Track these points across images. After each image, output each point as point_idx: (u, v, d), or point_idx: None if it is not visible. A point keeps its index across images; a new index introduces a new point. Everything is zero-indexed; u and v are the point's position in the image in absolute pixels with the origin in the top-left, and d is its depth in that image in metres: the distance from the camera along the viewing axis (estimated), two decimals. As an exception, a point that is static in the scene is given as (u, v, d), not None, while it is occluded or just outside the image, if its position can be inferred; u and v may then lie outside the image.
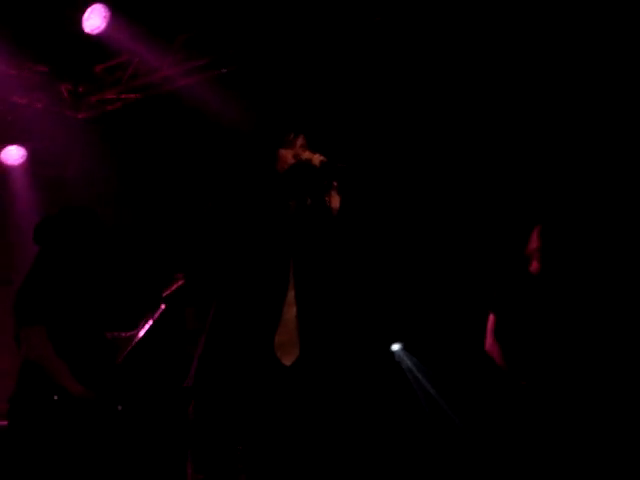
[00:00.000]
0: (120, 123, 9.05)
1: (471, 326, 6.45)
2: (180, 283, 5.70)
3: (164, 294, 5.71)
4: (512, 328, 5.86)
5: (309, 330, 4.27)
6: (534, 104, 7.23)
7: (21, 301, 4.76)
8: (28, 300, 4.72)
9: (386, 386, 8.28)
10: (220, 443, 4.10)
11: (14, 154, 8.99)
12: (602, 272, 6.41)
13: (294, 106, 7.34)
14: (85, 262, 5.01)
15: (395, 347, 8.69)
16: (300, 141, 4.50)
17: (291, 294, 4.31)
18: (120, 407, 5.18)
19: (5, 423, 4.92)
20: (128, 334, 5.37)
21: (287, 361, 4.17)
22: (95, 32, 7.78)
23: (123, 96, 8.90)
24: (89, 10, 7.75)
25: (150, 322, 5.59)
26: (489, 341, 5.98)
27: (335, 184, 4.42)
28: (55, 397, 4.63)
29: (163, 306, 5.69)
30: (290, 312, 4.27)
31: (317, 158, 4.41)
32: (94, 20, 7.75)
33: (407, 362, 8.64)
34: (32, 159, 9.08)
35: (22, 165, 9.06)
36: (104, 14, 7.72)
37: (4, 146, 8.98)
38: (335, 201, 4.45)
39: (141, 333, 5.47)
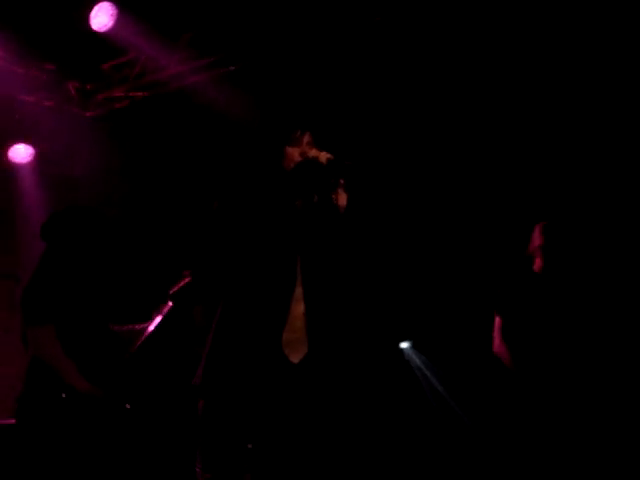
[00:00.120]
0: (128, 121, 9.05)
1: (479, 324, 6.43)
2: (187, 280, 5.69)
3: (171, 291, 5.70)
4: (518, 328, 5.84)
5: (317, 327, 4.25)
6: (538, 103, 7.23)
7: (29, 299, 4.77)
8: (36, 298, 4.73)
9: (395, 384, 8.28)
10: (228, 441, 4.08)
11: (22, 152, 9.00)
12: (605, 268, 6.40)
13: (300, 103, 7.33)
14: (92, 259, 5.02)
15: (404, 345, 8.69)
16: (307, 138, 4.47)
17: (298, 291, 4.29)
18: (128, 405, 5.20)
19: (13, 422, 4.94)
20: (140, 326, 5.37)
21: (295, 358, 4.15)
22: (102, 30, 7.78)
23: (131, 94, 8.90)
24: (96, 8, 7.75)
25: (158, 319, 5.57)
26: (497, 342, 5.96)
27: (342, 182, 4.40)
28: (63, 395, 4.63)
29: (170, 304, 5.67)
30: (298, 309, 4.25)
31: (324, 156, 4.38)
32: (101, 18, 7.75)
33: (416, 360, 8.64)
34: (39, 157, 9.09)
35: (29, 163, 9.06)
36: (111, 12, 7.71)
37: (12, 144, 8.99)
38: (342, 199, 4.42)
39: (150, 328, 5.46)
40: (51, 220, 5.09)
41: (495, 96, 7.33)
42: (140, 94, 8.85)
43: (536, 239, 5.89)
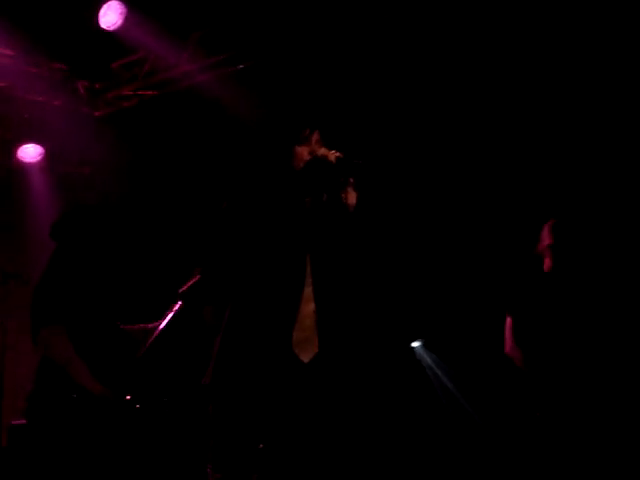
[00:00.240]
0: (137, 120, 9.04)
1: (490, 323, 6.42)
2: (196, 279, 5.68)
3: (180, 290, 5.69)
4: (529, 328, 5.83)
5: (327, 327, 4.23)
6: (549, 103, 7.20)
7: (40, 300, 4.76)
8: (47, 299, 4.72)
9: (406, 383, 8.26)
10: (239, 442, 4.07)
11: (31, 152, 9.01)
12: (615, 267, 6.37)
13: (309, 102, 7.31)
14: (102, 259, 5.00)
15: (415, 344, 8.67)
16: (316, 137, 4.46)
17: (308, 290, 4.27)
18: (138, 405, 5.19)
19: (24, 422, 4.93)
20: (152, 326, 5.37)
21: (305, 358, 4.14)
22: (111, 28, 7.77)
23: (140, 92, 8.89)
24: (105, 6, 7.75)
25: (168, 318, 5.57)
26: (509, 344, 5.94)
27: (351, 180, 4.38)
28: (74, 395, 4.62)
29: (180, 302, 5.67)
30: (308, 308, 4.24)
31: (333, 154, 4.37)
32: (110, 16, 7.75)
33: (427, 359, 8.62)
34: (49, 156, 9.10)
35: (39, 162, 9.07)
36: (120, 10, 7.70)
37: (21, 144, 9.00)
38: (352, 197, 4.41)
39: (160, 327, 5.45)
40: (62, 220, 5.07)
41: (506, 94, 7.31)
42: (149, 93, 8.84)
43: (545, 238, 5.88)
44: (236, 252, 4.39)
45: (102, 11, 7.75)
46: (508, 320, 5.99)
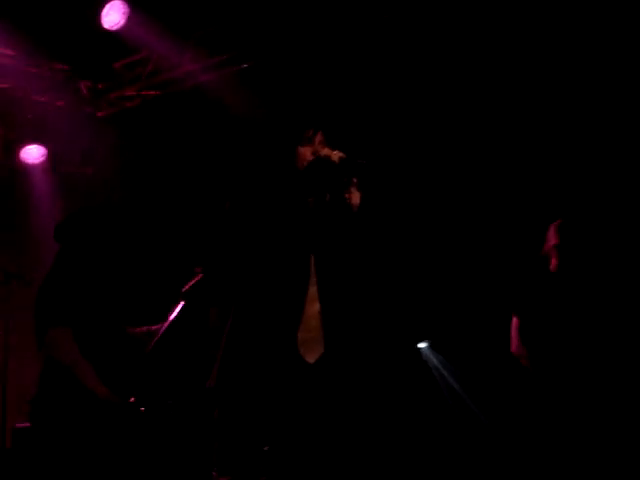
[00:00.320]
0: (139, 120, 9.03)
1: (497, 324, 6.41)
2: (199, 278, 5.67)
3: (183, 290, 5.68)
4: (535, 328, 5.83)
5: (333, 328, 4.21)
6: (554, 102, 7.19)
7: (44, 301, 4.74)
8: (52, 300, 4.71)
9: (412, 384, 8.24)
10: (245, 444, 4.06)
11: (34, 153, 9.00)
12: (621, 267, 6.35)
13: (312, 103, 7.30)
14: (107, 261, 4.99)
15: (422, 345, 8.65)
16: (319, 138, 4.45)
17: (313, 290, 4.25)
18: (143, 408, 5.17)
19: (28, 425, 4.92)
20: (155, 327, 5.35)
21: (311, 358, 4.12)
22: (114, 28, 7.75)
23: (143, 93, 8.87)
24: (108, 6, 7.72)
25: (171, 318, 5.56)
26: (515, 344, 5.94)
27: (355, 180, 4.36)
28: (80, 400, 4.61)
29: (182, 302, 5.66)
30: (313, 309, 4.22)
31: (336, 155, 4.35)
32: (113, 16, 7.72)
33: (433, 360, 8.60)
34: (52, 157, 9.09)
35: (41, 163, 9.05)
36: (123, 10, 7.68)
37: (24, 144, 8.99)
38: (355, 197, 4.40)
39: (164, 328, 5.44)
40: (66, 222, 5.05)
41: (513, 94, 7.30)
42: (152, 93, 8.82)
43: (551, 238, 5.89)
44: (239, 253, 4.37)
45: (105, 11, 7.73)
46: (514, 320, 6.00)
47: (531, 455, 6.00)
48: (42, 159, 9.05)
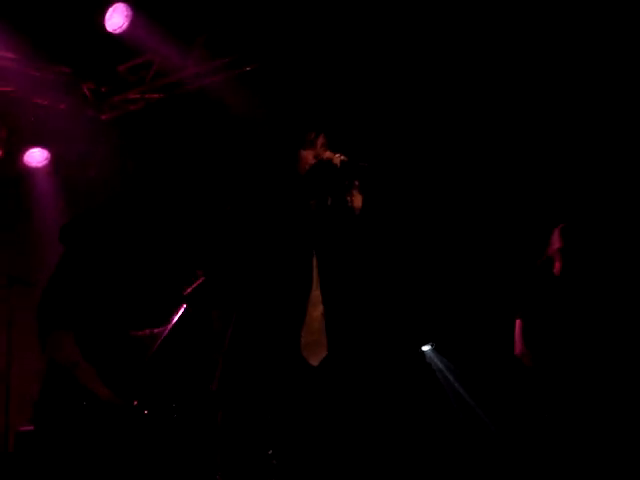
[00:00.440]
0: (143, 123, 9.02)
1: (501, 327, 6.41)
2: (201, 280, 5.67)
3: (185, 292, 5.68)
4: (539, 331, 5.83)
5: (337, 331, 4.21)
6: (559, 106, 7.18)
7: (48, 304, 4.72)
8: (55, 303, 4.69)
9: (416, 387, 8.23)
10: (248, 448, 4.05)
11: (37, 156, 9.00)
12: (624, 270, 6.35)
13: (314, 106, 7.29)
14: (110, 263, 4.97)
15: (425, 348, 8.64)
16: (321, 141, 4.44)
17: (316, 293, 4.25)
18: (146, 411, 5.16)
19: (31, 428, 4.91)
20: (158, 330, 5.35)
21: (314, 361, 4.12)
22: (117, 31, 7.73)
23: (146, 96, 8.86)
24: (111, 9, 7.71)
25: (173, 321, 5.56)
26: (519, 346, 5.95)
27: (357, 183, 4.36)
28: (83, 403, 4.60)
29: (185, 305, 5.66)
30: (316, 311, 4.22)
31: (338, 158, 4.35)
32: (116, 19, 7.70)
33: (438, 363, 8.59)
34: (55, 160, 9.09)
35: (45, 167, 9.06)
36: (126, 13, 7.67)
37: (27, 147, 8.99)
38: (357, 200, 4.39)
39: (167, 331, 5.44)
40: (72, 223, 5.03)
41: (518, 99, 7.29)
42: (156, 96, 8.81)
43: (555, 242, 5.90)
44: (241, 256, 4.36)
45: (108, 14, 7.71)
46: (518, 323, 6.00)
47: (535, 457, 6.00)
48: (45, 162, 9.05)
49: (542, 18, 6.89)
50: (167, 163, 8.92)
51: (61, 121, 8.87)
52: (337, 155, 4.34)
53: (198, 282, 5.68)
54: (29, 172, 9.10)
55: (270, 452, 4.07)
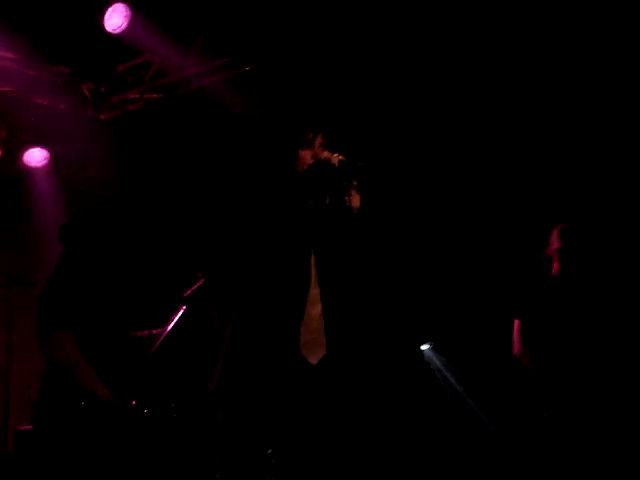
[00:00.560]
0: (142, 123, 9.02)
1: (499, 326, 6.41)
2: (201, 282, 5.68)
3: (185, 294, 5.69)
4: (537, 331, 5.83)
5: (335, 330, 4.22)
6: (557, 106, 7.19)
7: (47, 304, 4.73)
8: (55, 303, 4.70)
9: (415, 386, 8.24)
10: (248, 447, 4.06)
11: (37, 156, 9.00)
12: (622, 271, 6.36)
13: (312, 106, 7.29)
14: (109, 263, 4.98)
15: (424, 347, 8.64)
16: (319, 141, 4.45)
17: (314, 292, 4.26)
18: (145, 410, 5.17)
19: (30, 427, 4.92)
20: (157, 331, 5.36)
21: (313, 360, 4.13)
22: (116, 31, 7.73)
23: (146, 96, 8.86)
24: (110, 9, 7.71)
25: (173, 322, 5.57)
26: (517, 346, 5.95)
27: (355, 183, 4.37)
28: (82, 403, 4.60)
29: (184, 307, 5.67)
30: (314, 311, 4.23)
31: (336, 157, 4.36)
32: (115, 19, 7.70)
33: (436, 362, 8.59)
34: (55, 160, 9.09)
35: (45, 167, 9.06)
36: (125, 13, 7.67)
37: (27, 147, 9.00)
38: (355, 200, 4.40)
39: (166, 332, 5.45)
40: (71, 223, 5.04)
41: (515, 98, 7.29)
42: (155, 96, 8.81)
43: (554, 242, 5.90)
44: (240, 256, 4.37)
45: (107, 14, 7.71)
46: (516, 323, 6.00)
47: (534, 456, 6.01)
48: (44, 162, 9.05)
49: (542, 18, 6.89)
50: (166, 163, 8.92)
51: (61, 121, 8.87)
52: (335, 155, 4.35)
53: (198, 284, 5.70)
54: (29, 172, 9.10)
55: (269, 451, 4.08)
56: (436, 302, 8.06)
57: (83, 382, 4.61)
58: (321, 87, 7.48)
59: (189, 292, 5.73)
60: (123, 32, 7.73)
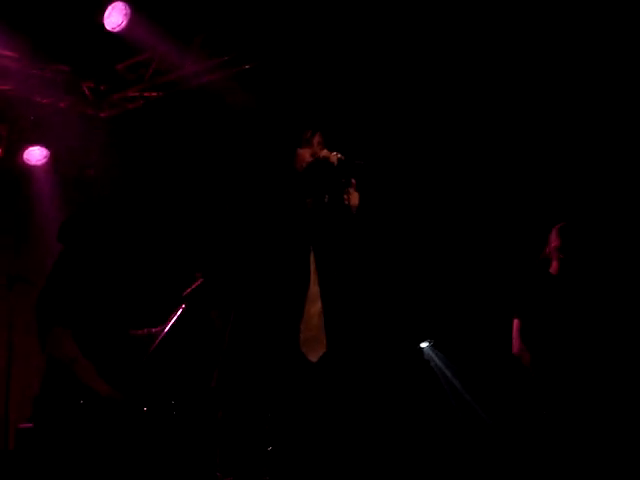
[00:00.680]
0: (142, 121, 9.02)
1: (499, 324, 6.40)
2: (200, 282, 5.68)
3: (184, 293, 5.69)
4: (537, 330, 5.82)
5: (335, 328, 4.22)
6: (556, 103, 7.18)
7: (46, 302, 4.73)
8: (54, 301, 4.70)
9: (414, 384, 8.24)
10: (248, 445, 4.07)
11: (37, 154, 9.00)
12: (621, 269, 6.36)
13: (311, 104, 7.29)
14: (108, 262, 4.98)
15: (424, 345, 8.65)
16: (317, 139, 4.45)
17: (314, 290, 4.26)
18: (146, 408, 5.17)
19: (31, 425, 4.93)
20: (156, 330, 5.36)
21: (313, 357, 4.13)
22: (116, 30, 7.73)
23: (145, 94, 8.87)
24: (110, 7, 7.71)
25: (172, 321, 5.57)
26: (517, 345, 5.94)
27: (353, 181, 4.37)
28: (82, 400, 4.60)
29: (183, 306, 5.67)
30: (314, 308, 4.23)
31: (335, 156, 4.36)
32: (115, 18, 7.70)
33: (436, 359, 8.60)
34: (54, 158, 9.09)
35: (44, 165, 9.06)
36: (125, 11, 7.66)
37: (27, 146, 9.00)
38: (354, 198, 4.41)
39: (165, 331, 5.45)
40: (68, 222, 5.04)
41: (514, 95, 7.29)
42: (154, 94, 8.81)
43: (553, 241, 5.88)
44: (239, 253, 4.37)
45: (107, 12, 7.71)
46: (516, 322, 5.99)
47: (533, 454, 6.00)
48: (44, 160, 9.06)
49: (542, 18, 6.89)
50: (165, 161, 8.92)
51: (60, 119, 8.87)
52: (334, 153, 4.36)
53: (197, 283, 5.70)
54: (28, 170, 9.10)
55: (269, 449, 4.09)
56: (435, 300, 8.06)
57: (83, 379, 4.61)
58: (319, 85, 7.48)
59: (188, 291, 5.73)
60: (123, 30, 7.73)
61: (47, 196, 9.06)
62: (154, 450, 5.85)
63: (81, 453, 4.59)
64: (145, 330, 5.35)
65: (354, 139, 4.73)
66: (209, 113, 8.32)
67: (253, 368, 4.14)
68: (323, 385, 4.14)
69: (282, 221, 4.35)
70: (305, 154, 4.43)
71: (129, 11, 7.66)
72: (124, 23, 7.68)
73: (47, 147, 9.04)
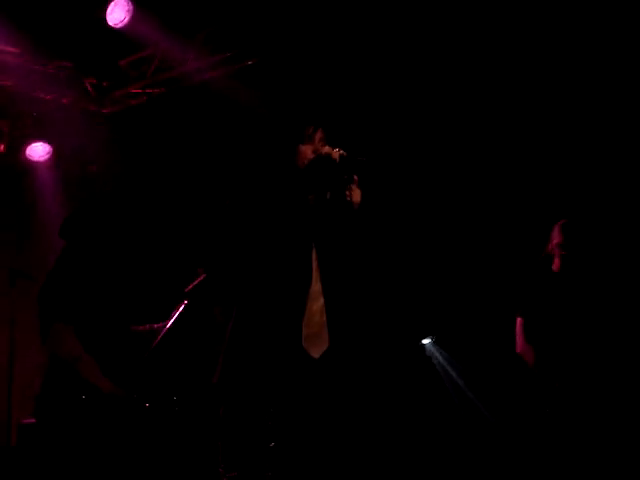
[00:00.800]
0: (144, 117, 9.03)
1: (502, 321, 6.40)
2: (202, 278, 5.68)
3: (186, 289, 5.70)
4: (540, 328, 5.82)
5: (337, 325, 4.22)
6: (558, 100, 7.18)
7: (48, 298, 4.74)
8: (55, 297, 4.71)
9: (416, 380, 8.24)
10: (251, 440, 4.07)
11: (39, 150, 9.01)
12: (623, 266, 6.35)
13: (313, 101, 7.29)
14: (110, 258, 4.99)
15: (426, 341, 8.64)
16: (319, 135, 4.45)
17: (316, 287, 4.26)
18: (148, 404, 5.18)
19: (33, 421, 4.93)
20: (158, 325, 5.37)
21: (315, 354, 4.13)
22: (118, 26, 7.73)
23: (148, 90, 8.86)
24: (112, 4, 7.71)
25: (174, 317, 5.58)
26: (519, 343, 5.94)
27: (355, 178, 4.37)
28: (84, 396, 4.61)
29: (186, 301, 5.67)
30: (316, 305, 4.23)
31: (337, 152, 4.36)
32: (117, 14, 7.70)
33: (438, 356, 8.59)
34: (57, 154, 9.10)
35: (47, 161, 9.07)
36: (127, 8, 7.66)
37: (29, 142, 9.00)
38: (356, 195, 4.41)
39: (166, 327, 5.47)
40: (70, 218, 5.04)
41: (516, 91, 7.28)
42: (157, 90, 8.81)
43: (555, 238, 5.88)
44: (240, 251, 4.37)
45: (109, 8, 7.71)
46: (519, 320, 5.99)
47: (536, 451, 5.99)
48: (47, 156, 9.07)
49: (542, 17, 6.89)
50: (168, 157, 8.92)
51: (63, 115, 8.88)
52: (336, 150, 4.36)
53: (199, 279, 5.70)
54: (31, 166, 9.11)
55: (272, 445, 4.09)
56: (438, 297, 8.05)
57: (85, 375, 4.62)
58: (321, 82, 7.48)
59: (190, 287, 5.74)
60: (125, 26, 7.73)
61: (49, 192, 9.08)
62: (156, 446, 5.85)
63: (83, 449, 4.61)
64: (147, 326, 5.37)
65: (356, 135, 4.73)
66: (211, 109, 8.32)
67: (255, 364, 4.14)
68: (325, 381, 4.14)
69: (284, 218, 4.36)
70: (307, 151, 4.43)
71: (131, 7, 7.66)
72: (126, 19, 7.68)
73: (49, 143, 9.05)
